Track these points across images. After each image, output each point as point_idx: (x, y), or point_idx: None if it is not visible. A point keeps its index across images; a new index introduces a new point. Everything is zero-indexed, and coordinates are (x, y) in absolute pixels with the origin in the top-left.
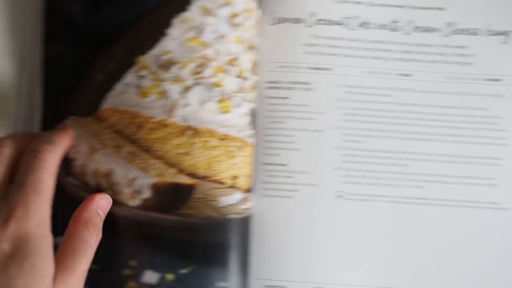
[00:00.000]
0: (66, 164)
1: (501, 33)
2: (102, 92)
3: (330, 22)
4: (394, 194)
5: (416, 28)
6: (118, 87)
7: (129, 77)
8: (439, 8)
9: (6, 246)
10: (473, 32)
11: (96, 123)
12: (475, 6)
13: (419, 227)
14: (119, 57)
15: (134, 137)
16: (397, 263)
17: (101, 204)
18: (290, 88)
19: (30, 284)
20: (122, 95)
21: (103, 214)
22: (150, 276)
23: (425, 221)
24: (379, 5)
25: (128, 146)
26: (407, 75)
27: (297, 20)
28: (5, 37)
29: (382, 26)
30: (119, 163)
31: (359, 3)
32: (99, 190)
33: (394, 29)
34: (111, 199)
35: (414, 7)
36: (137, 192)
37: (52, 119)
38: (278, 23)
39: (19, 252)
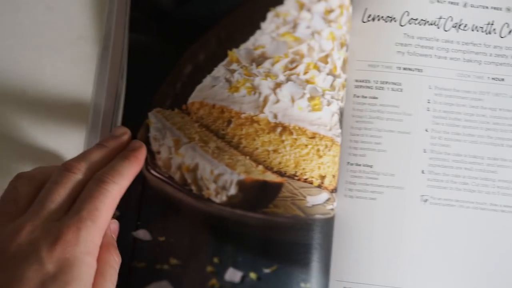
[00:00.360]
0: (151, 156)
1: None
2: (189, 84)
3: (424, 22)
4: (481, 201)
5: None
6: (207, 80)
7: (220, 71)
8: None
9: (50, 267)
10: None
11: (182, 116)
12: None
13: (506, 235)
14: (209, 49)
15: (222, 132)
16: (481, 272)
17: (114, 229)
18: (379, 88)
19: None
20: (211, 88)
21: (115, 238)
22: (233, 274)
23: None
24: (474, 6)
25: (215, 141)
26: (500, 79)
27: (390, 19)
28: (89, 23)
29: (476, 28)
30: (206, 158)
31: (454, 3)
32: (183, 184)
33: (489, 32)
34: (118, 223)
35: (510, 10)
36: (223, 188)
37: (136, 110)
38: (371, 20)
39: (62, 275)
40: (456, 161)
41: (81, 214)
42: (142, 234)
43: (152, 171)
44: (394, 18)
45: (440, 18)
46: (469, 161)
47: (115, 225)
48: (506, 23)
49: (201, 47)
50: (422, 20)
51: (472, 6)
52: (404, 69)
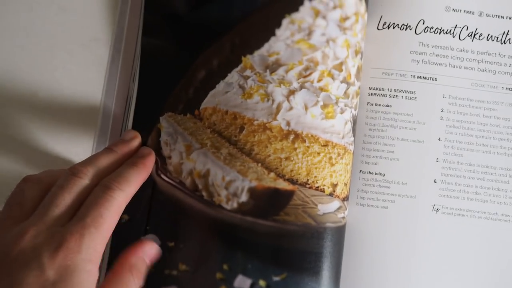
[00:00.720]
0: (161, 161)
1: None
2: (202, 90)
3: (439, 31)
4: (493, 211)
5: None
6: (220, 86)
7: (233, 77)
8: None
9: (51, 274)
10: None
11: (194, 121)
12: None
13: None
14: (223, 54)
15: (234, 138)
16: (492, 282)
17: (150, 253)
18: (393, 96)
19: None
20: (224, 94)
21: (149, 263)
22: (242, 281)
23: None
24: (490, 15)
25: (227, 148)
26: None
27: (405, 26)
28: (102, 24)
29: (492, 38)
30: (217, 164)
31: (470, 12)
32: (194, 190)
33: (504, 41)
34: (160, 250)
35: None
36: (234, 195)
37: (147, 114)
38: (386, 28)
39: (62, 283)
40: (468, 171)
41: (85, 221)
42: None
43: (163, 176)
44: (409, 26)
45: (456, 27)
46: (481, 171)
47: (154, 251)
48: None
49: (214, 52)
50: (437, 28)
51: (487, 15)
52: (419, 77)
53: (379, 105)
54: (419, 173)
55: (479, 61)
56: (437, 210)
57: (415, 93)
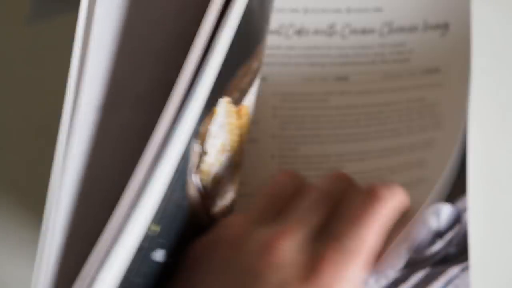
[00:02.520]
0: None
1: (439, 27)
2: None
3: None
4: None
5: (353, 31)
6: None
7: None
8: (376, 9)
9: None
10: (411, 29)
11: (236, 117)
12: (412, 2)
13: None
14: None
15: None
16: None
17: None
18: None
19: None
20: None
21: None
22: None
23: None
24: (315, 11)
25: None
26: (344, 78)
27: None
28: None
29: (318, 32)
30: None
31: (295, 10)
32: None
33: (330, 34)
34: None
35: (350, 10)
36: None
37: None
38: None
39: None
40: (304, 163)
41: (342, 244)
42: None
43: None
44: None
45: (282, 26)
46: (317, 161)
47: None
48: (347, 23)
49: None
50: None
51: (313, 11)
52: None
53: None
54: (256, 172)
55: (308, 56)
56: None
57: None
